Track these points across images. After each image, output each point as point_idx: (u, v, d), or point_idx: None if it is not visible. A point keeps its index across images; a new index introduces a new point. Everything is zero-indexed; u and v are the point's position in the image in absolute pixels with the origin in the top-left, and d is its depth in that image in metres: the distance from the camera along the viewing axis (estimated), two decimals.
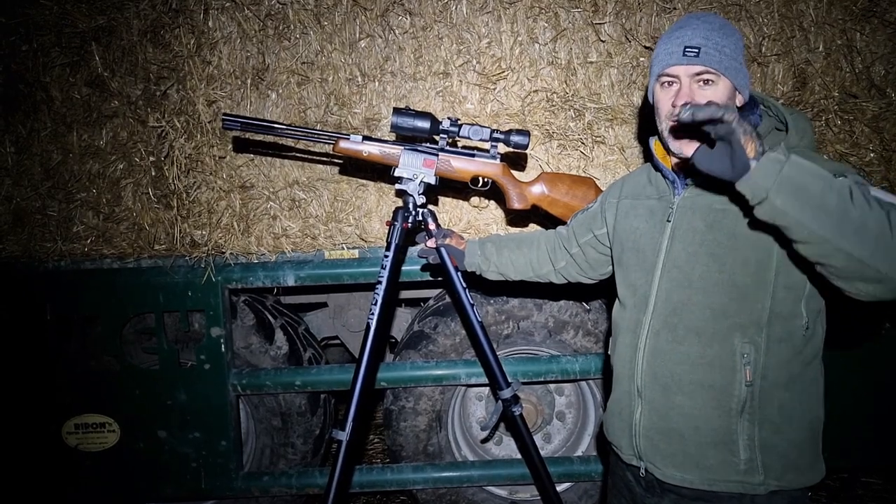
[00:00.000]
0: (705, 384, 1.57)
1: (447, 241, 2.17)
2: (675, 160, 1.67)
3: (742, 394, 1.52)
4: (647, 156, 1.77)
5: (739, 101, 1.58)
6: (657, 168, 1.72)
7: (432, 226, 2.18)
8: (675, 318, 1.60)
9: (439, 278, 2.62)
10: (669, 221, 1.64)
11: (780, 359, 1.51)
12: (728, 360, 1.54)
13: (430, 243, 2.18)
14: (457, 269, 2.22)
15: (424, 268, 2.52)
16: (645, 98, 2.44)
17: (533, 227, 2.70)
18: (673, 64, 1.54)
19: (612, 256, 1.90)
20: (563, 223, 2.24)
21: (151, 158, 2.67)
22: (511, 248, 2.14)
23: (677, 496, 1.63)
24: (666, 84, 1.59)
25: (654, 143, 1.75)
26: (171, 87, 2.63)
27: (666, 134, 1.60)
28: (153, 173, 2.69)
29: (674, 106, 1.55)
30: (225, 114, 2.08)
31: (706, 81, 1.54)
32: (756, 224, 1.44)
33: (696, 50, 1.51)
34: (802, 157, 1.29)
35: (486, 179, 2.18)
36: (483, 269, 2.19)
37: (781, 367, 1.52)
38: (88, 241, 2.74)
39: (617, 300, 1.81)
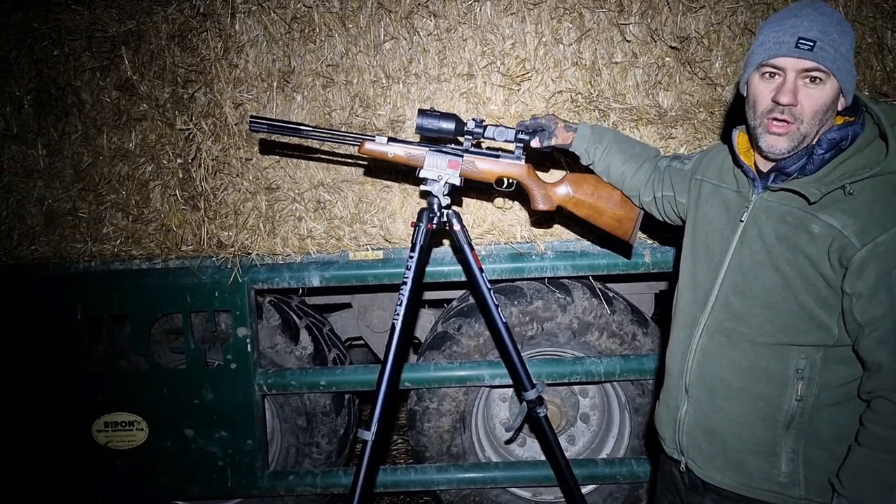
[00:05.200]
0: (753, 393, 1.54)
1: (553, 141, 2.05)
2: (758, 157, 1.59)
3: (791, 408, 1.50)
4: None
5: (841, 104, 1.47)
6: (737, 164, 1.63)
7: (457, 227, 2.18)
8: (732, 323, 1.57)
9: (464, 279, 2.62)
10: (742, 221, 1.57)
11: (838, 379, 1.47)
12: (780, 374, 1.50)
13: (534, 144, 2.07)
14: (481, 270, 2.22)
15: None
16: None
17: (558, 227, 2.69)
18: (782, 55, 1.41)
19: (683, 225, 1.86)
20: (589, 224, 2.23)
21: (179, 160, 2.71)
22: (616, 159, 2.03)
23: (718, 496, 1.63)
24: (767, 75, 1.46)
25: (737, 135, 1.65)
26: (199, 90, 2.66)
27: (759, 129, 1.49)
28: (181, 175, 2.72)
29: (775, 102, 1.44)
30: (252, 116, 2.10)
31: (814, 79, 1.41)
32: (829, 261, 1.41)
33: (811, 43, 1.38)
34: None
35: (510, 180, 2.18)
36: (584, 161, 2.09)
37: (838, 386, 1.48)
38: (118, 242, 2.78)
39: (676, 290, 1.78)
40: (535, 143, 2.07)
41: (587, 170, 2.14)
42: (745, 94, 1.55)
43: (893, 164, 1.38)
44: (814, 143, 1.46)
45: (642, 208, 2.10)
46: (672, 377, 1.72)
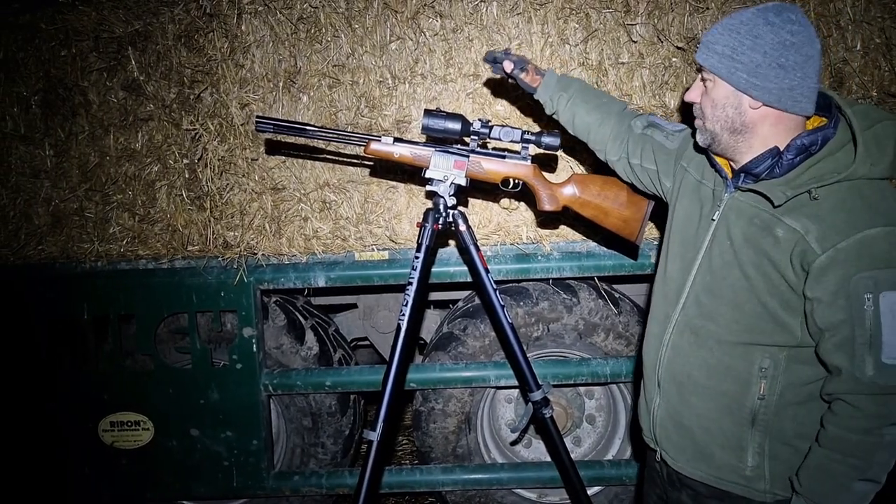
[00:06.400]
0: (719, 391, 1.57)
1: (522, 75, 2.03)
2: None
3: (754, 406, 1.52)
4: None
5: (752, 104, 1.45)
6: (711, 162, 1.65)
7: (463, 227, 2.18)
8: (701, 321, 1.59)
9: (469, 280, 2.62)
10: (714, 220, 1.59)
11: (802, 378, 1.49)
12: (744, 372, 1.53)
13: (507, 67, 2.02)
14: (487, 270, 2.21)
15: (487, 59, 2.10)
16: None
17: (564, 228, 2.69)
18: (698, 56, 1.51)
19: (666, 203, 1.87)
20: (595, 225, 2.22)
21: (185, 161, 2.71)
22: (581, 109, 2.00)
23: (694, 492, 1.66)
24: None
25: None
26: (205, 90, 2.66)
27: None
28: (187, 175, 2.72)
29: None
30: (258, 116, 2.10)
31: (704, 79, 1.52)
32: (792, 265, 1.42)
33: (707, 46, 1.47)
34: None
35: (516, 181, 2.17)
36: (548, 110, 2.07)
37: (802, 386, 1.50)
38: (124, 242, 2.78)
39: (654, 281, 1.79)
40: (507, 67, 2.02)
41: (596, 169, 2.13)
42: None
43: (860, 170, 1.38)
44: (781, 147, 1.48)
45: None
46: (647, 370, 1.76)
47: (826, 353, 1.41)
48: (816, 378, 1.48)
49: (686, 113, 2.48)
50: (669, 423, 1.68)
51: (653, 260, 2.65)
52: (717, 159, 1.62)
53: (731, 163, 1.59)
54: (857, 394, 1.37)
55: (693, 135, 1.81)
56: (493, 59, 2.04)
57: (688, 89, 1.59)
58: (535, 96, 2.07)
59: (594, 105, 2.00)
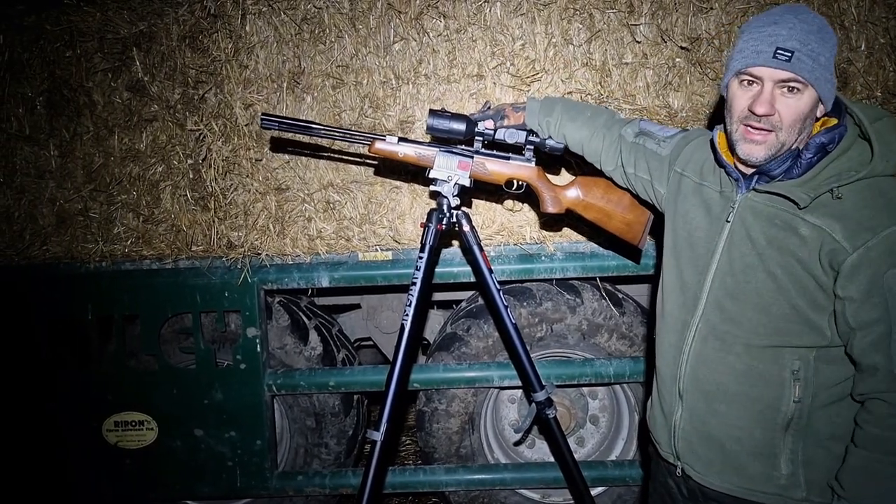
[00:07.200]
0: (751, 397, 1.53)
1: (506, 122, 2.08)
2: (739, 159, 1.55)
3: (790, 410, 1.49)
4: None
5: (821, 110, 1.45)
6: (720, 164, 1.61)
7: (466, 227, 2.18)
8: (725, 326, 1.55)
9: (473, 280, 2.62)
10: (729, 222, 1.56)
11: (831, 379, 1.48)
12: (777, 376, 1.50)
13: (488, 125, 2.07)
14: (491, 271, 2.21)
15: None
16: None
17: (567, 231, 2.68)
18: (759, 64, 1.40)
19: (661, 211, 1.85)
20: (599, 228, 2.22)
21: (189, 161, 2.72)
22: (569, 128, 2.02)
23: None
24: (745, 83, 1.45)
25: (717, 134, 1.62)
26: (209, 90, 2.67)
27: (735, 135, 1.49)
28: (191, 176, 2.73)
29: (751, 111, 1.43)
30: (264, 113, 2.11)
31: (791, 89, 1.40)
32: (820, 264, 1.41)
33: (789, 54, 1.36)
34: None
35: (520, 182, 2.17)
36: (542, 135, 2.09)
37: (831, 386, 1.48)
38: (128, 243, 2.79)
39: (661, 288, 1.75)
40: (489, 124, 2.07)
41: (597, 172, 2.13)
42: (725, 97, 1.53)
43: (879, 167, 1.39)
44: (801, 147, 1.47)
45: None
46: (665, 382, 1.70)
47: (860, 352, 1.40)
48: (844, 378, 1.47)
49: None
50: (695, 436, 1.62)
51: (657, 261, 2.65)
52: (728, 159, 1.58)
53: (742, 165, 1.56)
54: (895, 391, 1.36)
55: (687, 138, 1.80)
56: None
57: (756, 100, 1.43)
58: (529, 127, 2.09)
59: (581, 122, 2.01)
